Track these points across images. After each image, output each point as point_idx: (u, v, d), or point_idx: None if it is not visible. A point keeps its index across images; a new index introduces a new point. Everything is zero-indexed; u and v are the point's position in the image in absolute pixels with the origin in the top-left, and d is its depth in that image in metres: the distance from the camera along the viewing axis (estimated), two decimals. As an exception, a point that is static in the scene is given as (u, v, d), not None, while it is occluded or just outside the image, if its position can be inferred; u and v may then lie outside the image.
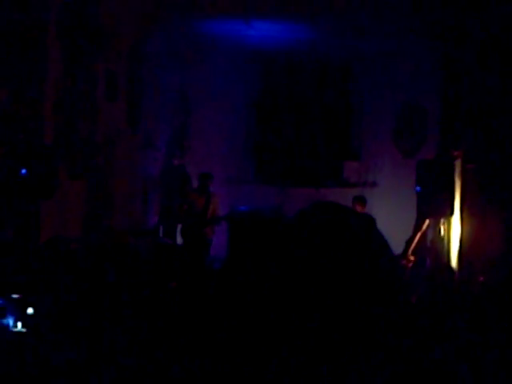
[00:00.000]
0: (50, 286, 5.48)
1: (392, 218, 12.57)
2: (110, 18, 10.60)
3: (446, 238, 10.36)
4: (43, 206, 8.52)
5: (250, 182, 14.43)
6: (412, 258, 10.11)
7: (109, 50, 10.66)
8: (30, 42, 8.57)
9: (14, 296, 5.95)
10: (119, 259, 6.84)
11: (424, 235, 10.51)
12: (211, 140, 14.11)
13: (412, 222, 10.96)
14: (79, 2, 9.74)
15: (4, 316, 5.68)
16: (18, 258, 6.67)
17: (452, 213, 10.04)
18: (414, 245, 10.23)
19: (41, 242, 7.73)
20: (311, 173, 14.40)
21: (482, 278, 8.71)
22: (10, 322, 5.70)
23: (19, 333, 5.59)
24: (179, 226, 12.33)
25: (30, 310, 5.70)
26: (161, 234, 12.34)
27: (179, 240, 12.20)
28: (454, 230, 10.11)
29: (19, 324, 5.68)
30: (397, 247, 10.45)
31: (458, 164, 10.12)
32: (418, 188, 10.34)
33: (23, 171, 7.63)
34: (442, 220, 10.41)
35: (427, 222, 10.46)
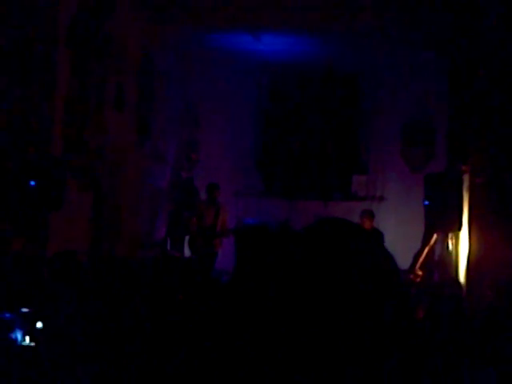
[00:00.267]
0: (58, 299, 5.48)
1: (400, 232, 12.56)
2: (119, 30, 10.65)
3: (454, 252, 10.32)
4: (51, 218, 8.54)
5: (258, 194, 14.43)
6: (420, 272, 10.08)
7: (118, 63, 10.70)
8: (40, 53, 8.61)
9: (23, 310, 5.95)
10: (127, 272, 6.84)
11: (432, 250, 10.48)
12: (219, 153, 14.13)
13: (420, 236, 10.93)
14: (89, 14, 9.78)
15: (12, 330, 5.68)
16: (27, 270, 6.67)
17: (460, 227, 10.01)
18: (421, 259, 10.21)
19: (49, 256, 7.73)
20: (319, 186, 14.39)
21: (490, 293, 8.68)
22: (19, 336, 5.69)
23: (27, 347, 5.59)
24: (187, 239, 12.33)
25: (38, 325, 5.70)
26: (168, 247, 12.34)
27: (187, 252, 12.20)
28: (462, 245, 10.07)
29: (27, 338, 5.68)
30: (404, 261, 10.43)
31: (466, 178, 10.09)
32: (426, 202, 10.32)
33: (32, 183, 7.65)
34: (450, 234, 10.38)
35: (435, 236, 10.43)
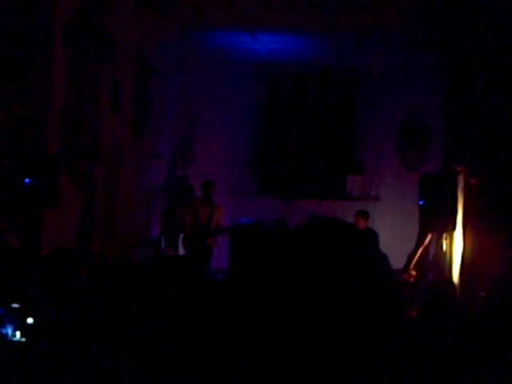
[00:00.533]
0: (50, 296, 5.49)
1: (394, 232, 12.58)
2: (115, 28, 10.64)
3: (448, 252, 10.34)
4: (46, 216, 8.54)
5: (254, 193, 14.43)
6: (414, 272, 10.10)
7: (114, 60, 10.70)
8: (36, 50, 8.60)
9: (14, 305, 5.95)
10: (120, 270, 6.84)
11: (426, 250, 10.51)
12: (215, 151, 14.13)
13: (414, 236, 10.96)
14: (86, 12, 9.78)
15: (3, 325, 5.69)
16: (20, 267, 6.68)
17: (454, 228, 10.04)
18: (415, 259, 10.23)
19: (43, 253, 7.73)
20: (315, 186, 14.40)
21: (483, 294, 8.70)
22: (9, 331, 5.70)
23: (18, 342, 5.60)
24: (181, 237, 12.32)
25: (29, 320, 5.70)
26: (163, 245, 12.35)
27: (181, 251, 12.20)
28: (456, 245, 10.10)
29: (18, 333, 5.68)
30: (399, 261, 10.45)
31: (461, 179, 10.11)
32: (421, 202, 10.34)
33: (27, 181, 7.65)
34: (444, 235, 10.40)
35: (429, 236, 10.45)
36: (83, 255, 8.42)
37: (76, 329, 4.68)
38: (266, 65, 14.20)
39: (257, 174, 14.79)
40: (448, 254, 10.33)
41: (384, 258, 1.45)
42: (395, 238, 11.90)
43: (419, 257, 10.25)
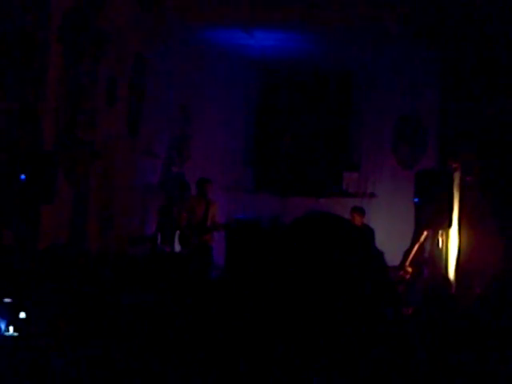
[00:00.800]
0: (44, 291, 5.48)
1: (390, 228, 12.59)
2: (112, 23, 10.62)
3: (443, 249, 10.36)
4: (42, 212, 8.53)
5: (250, 190, 14.43)
6: (410, 269, 10.11)
7: (110, 56, 10.68)
8: (31, 45, 8.58)
9: (6, 300, 5.94)
10: (117, 266, 6.84)
11: (422, 246, 10.52)
12: (211, 148, 14.12)
13: (410, 233, 10.97)
14: (82, 7, 9.76)
15: None
16: (16, 262, 6.67)
17: (450, 224, 10.05)
18: (411, 256, 10.24)
19: (39, 249, 7.72)
20: (311, 182, 14.41)
21: (479, 290, 8.71)
22: (2, 325, 5.69)
23: (11, 337, 5.59)
24: (177, 234, 12.32)
25: (22, 315, 5.70)
26: (159, 242, 12.34)
27: (177, 247, 12.20)
28: (452, 242, 10.11)
29: (11, 328, 5.68)
30: (395, 258, 10.45)
31: (456, 176, 10.12)
32: (417, 199, 10.35)
33: (22, 177, 7.64)
34: (440, 231, 10.41)
35: (425, 233, 10.46)
36: (79, 251, 8.41)
37: (70, 324, 4.68)
38: (262, 62, 14.20)
39: (253, 170, 14.80)
40: (444, 251, 10.34)
41: (379, 254, 1.44)
42: (391, 235, 11.91)
43: (415, 254, 10.26)
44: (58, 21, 9.12)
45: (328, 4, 11.33)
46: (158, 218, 12.76)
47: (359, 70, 14.31)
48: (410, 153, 13.95)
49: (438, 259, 10.46)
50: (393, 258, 10.67)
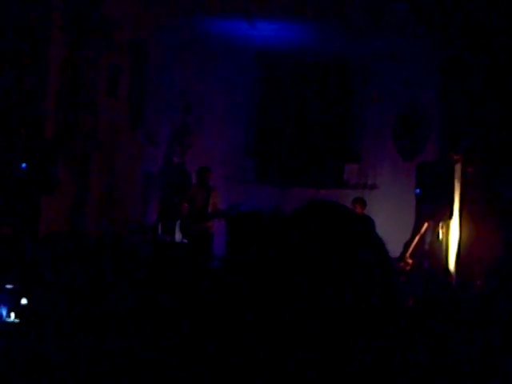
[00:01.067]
0: (45, 278, 5.48)
1: (391, 220, 12.57)
2: (113, 15, 10.60)
3: (444, 241, 10.35)
4: (42, 201, 8.52)
5: (250, 181, 14.42)
6: (410, 260, 10.11)
7: (112, 46, 10.66)
8: (33, 34, 8.56)
9: (8, 286, 5.94)
10: (117, 255, 6.83)
11: (422, 238, 10.51)
12: (212, 138, 14.11)
13: (411, 224, 10.96)
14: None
15: None
16: (16, 251, 6.66)
17: (451, 216, 10.04)
18: (412, 248, 10.24)
19: (39, 237, 7.72)
20: (311, 174, 14.39)
21: (479, 282, 8.71)
22: (4, 312, 5.69)
23: (12, 323, 5.59)
24: (178, 223, 12.33)
25: (23, 301, 5.69)
26: (159, 231, 12.34)
27: (178, 237, 12.20)
28: (453, 234, 10.11)
29: (12, 314, 5.68)
30: (395, 250, 10.45)
31: (457, 167, 10.11)
32: (418, 190, 10.34)
33: (23, 166, 7.63)
34: (440, 223, 10.40)
35: (426, 224, 10.46)
36: (78, 239, 8.40)
37: (71, 311, 4.68)
38: (264, 52, 14.17)
39: (253, 161, 14.78)
40: (444, 243, 10.33)
41: (381, 243, 1.42)
42: (392, 226, 11.89)
43: (415, 245, 10.25)
44: (59, 10, 9.10)
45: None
46: (159, 208, 12.77)
47: (360, 61, 14.28)
48: (410, 144, 13.92)
49: (438, 251, 10.46)
50: (393, 249, 10.66)
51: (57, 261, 5.73)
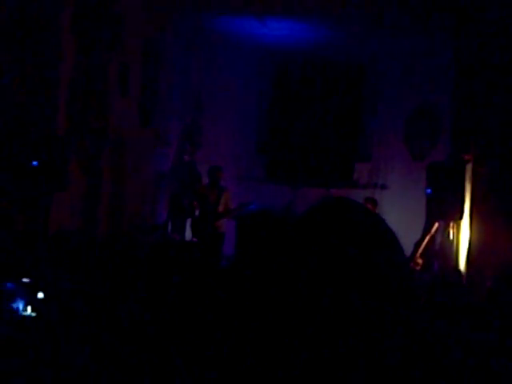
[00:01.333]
0: (59, 273, 5.50)
1: (401, 220, 12.51)
2: (124, 11, 10.61)
3: (454, 241, 10.32)
4: (53, 198, 8.53)
5: (261, 180, 14.43)
6: (420, 260, 10.09)
7: (123, 45, 10.67)
8: (44, 33, 8.58)
9: (25, 280, 5.96)
10: (127, 254, 6.84)
11: (433, 238, 10.48)
12: (222, 137, 14.12)
13: (421, 224, 10.93)
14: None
15: (14, 300, 5.70)
16: (29, 246, 6.69)
17: (462, 216, 10.01)
18: (422, 248, 10.21)
19: (49, 235, 7.74)
20: (322, 173, 14.39)
21: (489, 283, 8.67)
22: (20, 306, 5.71)
23: (29, 317, 5.61)
24: (188, 222, 12.35)
25: (40, 295, 5.71)
26: (169, 230, 12.36)
27: (188, 236, 12.22)
28: (463, 234, 10.07)
29: (29, 308, 5.70)
30: (406, 250, 10.42)
31: (469, 168, 10.08)
32: (429, 190, 10.31)
33: (35, 163, 7.64)
34: (451, 223, 10.38)
35: (436, 224, 10.43)
36: (87, 237, 8.42)
37: (85, 305, 4.70)
38: (275, 51, 14.17)
39: (264, 160, 14.78)
40: (455, 243, 10.31)
41: (396, 240, 1.42)
42: (402, 226, 11.82)
43: (426, 245, 10.23)
44: (70, 7, 9.12)
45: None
46: (169, 207, 12.78)
47: (372, 60, 14.27)
48: (421, 144, 13.90)
49: (448, 251, 10.43)
50: (404, 249, 10.64)
51: (68, 258, 5.75)
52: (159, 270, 6.53)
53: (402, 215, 12.82)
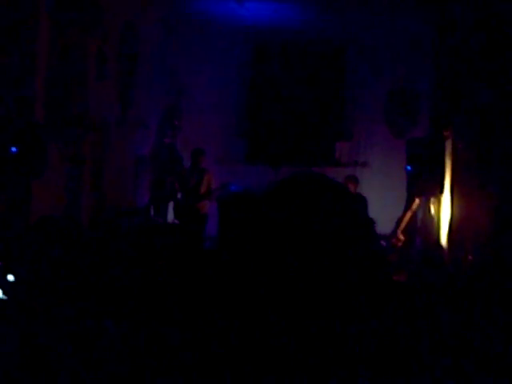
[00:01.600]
0: (33, 257, 5.47)
1: (383, 197, 12.61)
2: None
3: (435, 216, 10.39)
4: (34, 185, 8.51)
5: (242, 161, 14.43)
6: (402, 237, 10.14)
7: (101, 28, 10.61)
8: (21, 17, 8.52)
9: None
10: (109, 238, 6.84)
11: (414, 214, 10.54)
12: (203, 119, 14.08)
13: (403, 201, 10.98)
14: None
15: None
16: (5, 234, 6.66)
17: (442, 192, 10.07)
18: (404, 224, 10.26)
19: (30, 222, 7.72)
20: (303, 153, 14.40)
21: (471, 257, 8.75)
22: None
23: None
24: (170, 205, 12.34)
25: (10, 277, 5.66)
26: (152, 213, 12.35)
27: (170, 218, 12.22)
28: (444, 209, 10.14)
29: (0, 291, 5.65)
30: (388, 226, 10.49)
31: (448, 143, 10.13)
32: (408, 167, 10.35)
33: (13, 149, 7.61)
34: (431, 199, 10.43)
35: (417, 201, 10.48)
36: (70, 223, 8.40)
37: (60, 288, 4.69)
38: (254, 33, 14.13)
39: (245, 141, 14.77)
40: (436, 218, 10.37)
41: (371, 223, 1.42)
42: (384, 204, 11.93)
43: (407, 221, 10.28)
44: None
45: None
46: (151, 190, 12.76)
47: (352, 40, 14.25)
48: (402, 122, 13.94)
49: (430, 226, 10.49)
50: (386, 226, 10.70)
51: (46, 245, 5.73)
52: (143, 253, 6.53)
53: (383, 192, 12.88)
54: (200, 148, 12.31)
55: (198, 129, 13.88)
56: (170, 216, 12.29)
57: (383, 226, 10.96)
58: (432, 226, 10.41)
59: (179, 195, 12.16)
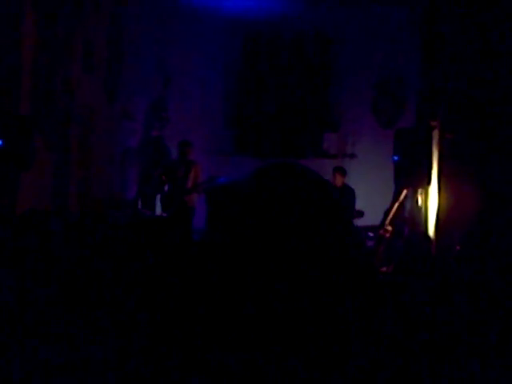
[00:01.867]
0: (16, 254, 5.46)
1: (371, 188, 12.63)
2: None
3: (423, 207, 10.40)
4: (21, 177, 8.49)
5: (230, 153, 14.41)
6: (390, 228, 10.16)
7: (87, 20, 10.57)
8: (5, 9, 8.47)
9: None
10: (97, 231, 6.82)
11: (402, 205, 10.55)
12: (190, 111, 14.06)
13: (391, 192, 11.00)
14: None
15: None
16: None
17: (429, 182, 10.07)
18: (391, 215, 10.28)
19: (17, 215, 7.70)
20: (291, 144, 14.40)
21: (458, 247, 8.77)
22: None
23: None
24: (158, 197, 12.32)
25: None
26: (139, 206, 12.33)
27: (158, 211, 12.20)
28: (432, 200, 10.15)
29: None
30: (375, 217, 10.50)
31: (435, 134, 10.13)
32: (395, 157, 10.35)
33: (0, 142, 7.58)
34: (419, 190, 10.45)
35: (405, 192, 10.49)
36: (59, 216, 8.38)
37: (47, 283, 4.68)
38: (242, 23, 14.10)
39: (233, 133, 14.76)
40: (423, 209, 10.39)
41: (344, 209, 1.41)
42: (371, 195, 11.95)
43: (395, 212, 10.29)
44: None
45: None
46: (139, 183, 12.74)
47: (338, 30, 14.25)
48: (389, 112, 13.95)
49: (417, 217, 10.51)
50: (373, 217, 10.72)
51: (33, 239, 5.71)
52: (131, 246, 6.52)
53: (371, 183, 12.90)
54: (187, 140, 12.28)
55: (185, 120, 13.85)
56: (158, 209, 12.27)
57: (371, 217, 10.99)
58: (420, 216, 10.43)
59: (167, 188, 12.13)
